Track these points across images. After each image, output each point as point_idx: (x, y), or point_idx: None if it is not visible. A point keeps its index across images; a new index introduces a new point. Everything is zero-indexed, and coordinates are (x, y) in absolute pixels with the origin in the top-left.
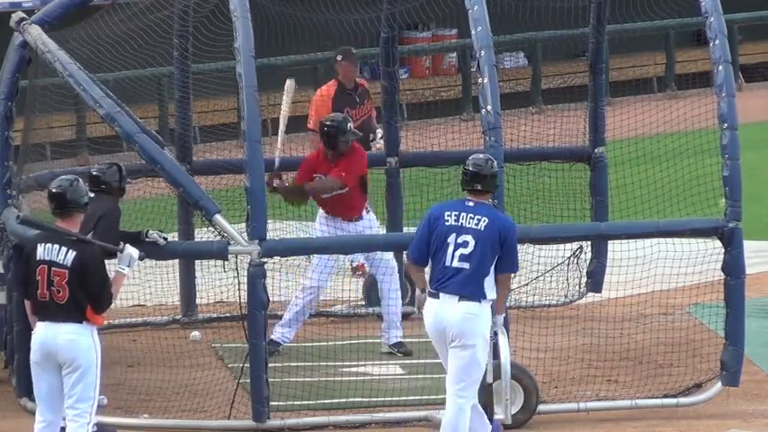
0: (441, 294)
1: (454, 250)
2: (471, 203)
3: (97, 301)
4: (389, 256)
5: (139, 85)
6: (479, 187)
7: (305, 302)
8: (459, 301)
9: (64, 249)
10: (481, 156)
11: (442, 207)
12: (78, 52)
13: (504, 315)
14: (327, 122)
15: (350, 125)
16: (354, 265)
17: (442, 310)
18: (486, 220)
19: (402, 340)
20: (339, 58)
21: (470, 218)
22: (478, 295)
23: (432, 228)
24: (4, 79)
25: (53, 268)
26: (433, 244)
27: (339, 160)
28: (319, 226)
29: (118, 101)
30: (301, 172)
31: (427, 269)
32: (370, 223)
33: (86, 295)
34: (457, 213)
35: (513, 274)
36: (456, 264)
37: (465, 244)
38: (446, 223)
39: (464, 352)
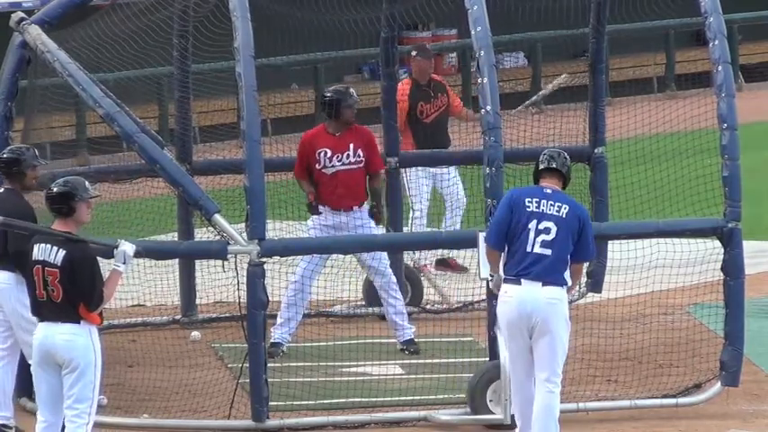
0: (523, 281)
1: (535, 236)
2: (549, 190)
3: (88, 299)
4: (383, 255)
5: (139, 86)
6: (555, 165)
7: (290, 299)
8: (543, 286)
9: (55, 249)
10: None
11: (521, 193)
12: (78, 52)
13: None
14: (327, 94)
15: (352, 92)
16: (419, 265)
17: (526, 296)
18: (568, 208)
19: (413, 337)
20: (414, 53)
21: (551, 204)
22: (561, 281)
23: (512, 212)
24: (4, 79)
25: (46, 268)
26: (513, 229)
27: (345, 131)
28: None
29: (118, 101)
30: (300, 156)
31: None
32: (362, 216)
33: (78, 294)
34: (538, 200)
35: (587, 263)
36: (538, 250)
37: (547, 230)
38: (527, 209)
39: (550, 338)
